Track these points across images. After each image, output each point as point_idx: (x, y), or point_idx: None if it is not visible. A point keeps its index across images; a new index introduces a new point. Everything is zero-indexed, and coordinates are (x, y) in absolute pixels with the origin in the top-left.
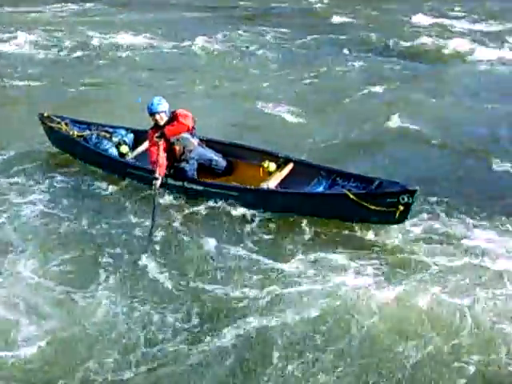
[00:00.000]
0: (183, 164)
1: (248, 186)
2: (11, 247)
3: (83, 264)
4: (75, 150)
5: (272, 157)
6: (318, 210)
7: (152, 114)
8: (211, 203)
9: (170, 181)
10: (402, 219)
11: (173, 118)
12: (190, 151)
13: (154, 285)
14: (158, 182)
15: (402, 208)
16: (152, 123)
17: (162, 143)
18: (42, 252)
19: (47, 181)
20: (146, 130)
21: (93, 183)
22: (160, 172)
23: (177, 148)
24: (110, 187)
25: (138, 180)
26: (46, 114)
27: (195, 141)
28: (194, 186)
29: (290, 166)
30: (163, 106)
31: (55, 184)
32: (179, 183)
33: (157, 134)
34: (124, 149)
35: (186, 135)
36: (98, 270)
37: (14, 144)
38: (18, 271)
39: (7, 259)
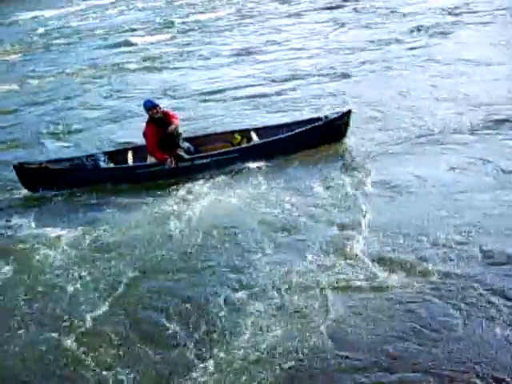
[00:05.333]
0: (180, 148)
1: (245, 145)
2: None
3: None
4: (74, 180)
5: (235, 132)
6: (298, 145)
7: (154, 106)
8: (219, 170)
9: (180, 164)
10: (345, 134)
11: (165, 114)
12: (180, 136)
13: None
14: (169, 162)
15: (344, 126)
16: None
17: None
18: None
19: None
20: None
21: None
22: (161, 158)
23: (174, 134)
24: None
25: (151, 178)
26: (21, 162)
27: None
28: (204, 161)
29: (254, 133)
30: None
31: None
32: (189, 163)
33: (171, 127)
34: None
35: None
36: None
37: None
38: None
39: None
